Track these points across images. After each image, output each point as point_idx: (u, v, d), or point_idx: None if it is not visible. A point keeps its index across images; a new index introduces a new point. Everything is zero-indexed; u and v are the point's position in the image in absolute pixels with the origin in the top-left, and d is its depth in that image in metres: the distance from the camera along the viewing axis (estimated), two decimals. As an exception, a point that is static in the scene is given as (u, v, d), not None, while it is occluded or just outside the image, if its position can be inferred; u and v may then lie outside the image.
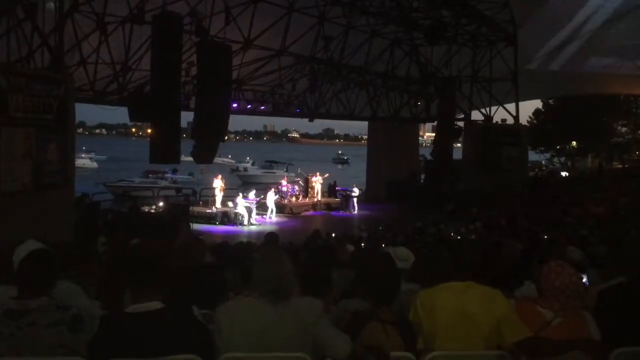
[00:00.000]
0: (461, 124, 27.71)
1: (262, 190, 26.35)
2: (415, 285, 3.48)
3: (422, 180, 30.16)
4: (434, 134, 28.34)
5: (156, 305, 2.44)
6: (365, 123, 31.78)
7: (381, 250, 6.60)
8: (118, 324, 2.43)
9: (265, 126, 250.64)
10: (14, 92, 10.02)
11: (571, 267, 2.88)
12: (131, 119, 15.28)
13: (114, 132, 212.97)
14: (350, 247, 8.89)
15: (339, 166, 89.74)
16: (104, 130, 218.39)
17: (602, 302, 2.96)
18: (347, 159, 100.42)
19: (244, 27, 18.29)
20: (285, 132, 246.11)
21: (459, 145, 30.02)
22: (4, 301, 2.65)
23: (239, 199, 21.02)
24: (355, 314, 2.93)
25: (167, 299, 2.49)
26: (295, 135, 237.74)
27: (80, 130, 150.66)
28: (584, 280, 4.96)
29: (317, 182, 26.69)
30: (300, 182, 28.21)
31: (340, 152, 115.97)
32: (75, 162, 14.49)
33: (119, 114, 18.26)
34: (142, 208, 18.55)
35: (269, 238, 7.89)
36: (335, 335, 2.71)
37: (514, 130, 27.94)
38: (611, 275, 3.34)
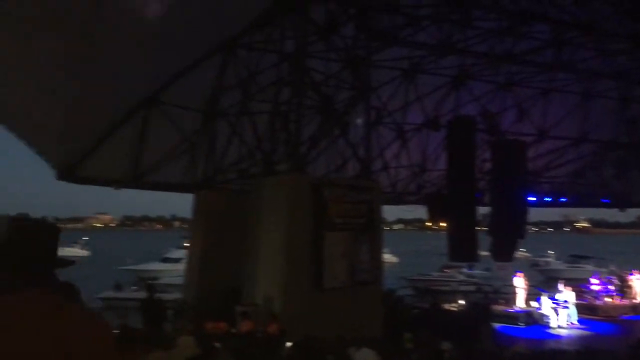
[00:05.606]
0: None
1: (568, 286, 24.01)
2: None
3: None
4: None
5: None
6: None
7: None
8: None
9: (565, 216, 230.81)
10: (334, 202, 11.73)
11: None
12: (430, 219, 16.09)
13: (409, 226, 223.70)
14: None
15: None
16: (401, 225, 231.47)
17: None
18: None
19: (536, 118, 17.99)
20: (592, 222, 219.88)
21: None
22: None
23: (544, 298, 19.52)
24: None
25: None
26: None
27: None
28: None
29: (636, 280, 23.15)
30: (614, 280, 24.88)
31: None
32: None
33: (415, 209, 19.46)
34: (443, 305, 18.75)
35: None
36: None
37: None
38: None
